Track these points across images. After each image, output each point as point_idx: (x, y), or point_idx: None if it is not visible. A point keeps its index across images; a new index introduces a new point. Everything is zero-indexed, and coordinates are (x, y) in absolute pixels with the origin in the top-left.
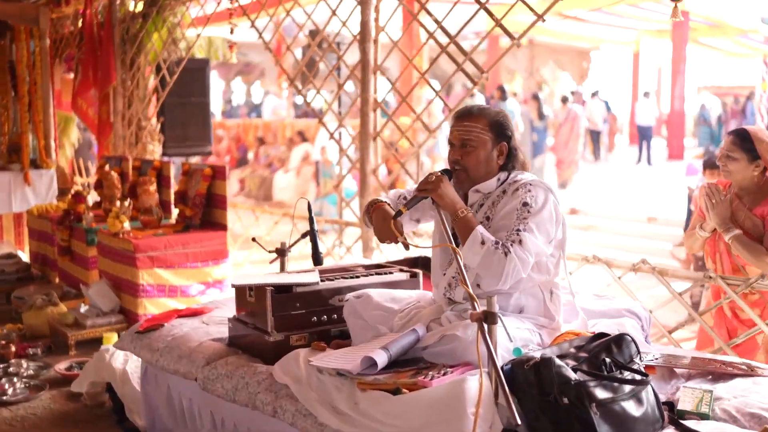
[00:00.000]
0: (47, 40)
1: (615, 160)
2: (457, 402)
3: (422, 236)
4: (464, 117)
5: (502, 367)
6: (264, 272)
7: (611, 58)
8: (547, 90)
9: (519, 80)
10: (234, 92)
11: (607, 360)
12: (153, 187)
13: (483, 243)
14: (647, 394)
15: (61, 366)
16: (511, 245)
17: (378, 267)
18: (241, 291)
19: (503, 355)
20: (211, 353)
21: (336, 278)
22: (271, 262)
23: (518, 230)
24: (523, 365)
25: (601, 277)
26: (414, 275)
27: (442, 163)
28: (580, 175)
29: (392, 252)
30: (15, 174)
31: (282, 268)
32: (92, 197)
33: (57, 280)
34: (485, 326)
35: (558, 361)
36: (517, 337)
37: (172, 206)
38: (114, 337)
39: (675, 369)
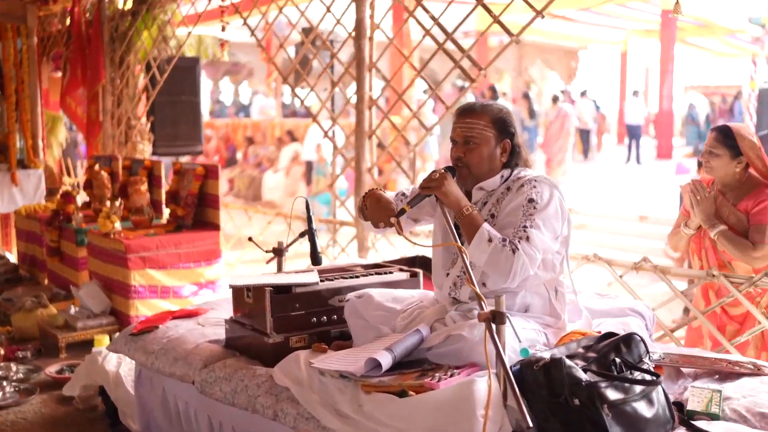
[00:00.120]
0: (34, 38)
1: (604, 159)
2: (466, 404)
3: (419, 235)
4: (467, 114)
5: (510, 368)
6: (259, 272)
7: (599, 58)
8: (536, 89)
9: (508, 79)
10: (222, 92)
11: (617, 360)
12: (144, 187)
13: (490, 240)
14: (657, 394)
15: (51, 369)
16: (519, 242)
17: (377, 267)
18: (238, 292)
19: (510, 356)
20: (208, 355)
21: (335, 278)
22: (268, 262)
23: (525, 227)
24: (533, 366)
25: (599, 276)
26: (414, 275)
27: (432, 163)
28: (570, 174)
29: (388, 252)
30: (2, 174)
31: (279, 268)
32: (81, 197)
33: (46, 281)
34: (493, 326)
35: (568, 362)
36: (523, 337)
37: (164, 206)
38: (105, 339)
39: (682, 368)
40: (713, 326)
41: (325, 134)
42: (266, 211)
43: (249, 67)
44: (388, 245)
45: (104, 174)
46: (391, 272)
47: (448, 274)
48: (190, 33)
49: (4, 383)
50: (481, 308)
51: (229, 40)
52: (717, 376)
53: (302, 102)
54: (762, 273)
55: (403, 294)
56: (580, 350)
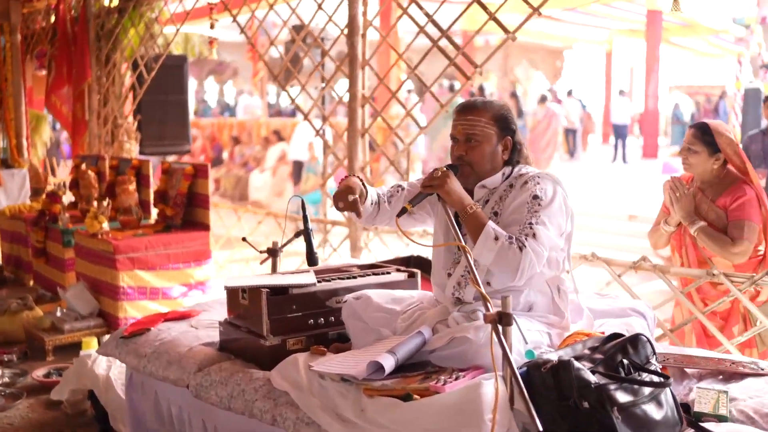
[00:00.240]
0: (18, 35)
1: (590, 159)
2: (473, 407)
3: (412, 234)
4: (468, 111)
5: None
6: (248, 272)
7: (584, 58)
8: (521, 89)
9: (494, 79)
10: (207, 91)
11: (625, 361)
12: (132, 187)
13: (497, 239)
14: (666, 396)
15: (38, 373)
16: (526, 239)
17: (374, 267)
18: (233, 293)
19: (515, 359)
20: (203, 358)
21: (332, 279)
22: (262, 262)
23: (531, 224)
24: (540, 368)
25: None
26: (412, 275)
27: (420, 163)
28: (557, 173)
29: (381, 252)
30: None
31: (274, 269)
32: (67, 197)
33: (31, 283)
34: (500, 328)
35: (577, 364)
36: (527, 338)
37: (152, 206)
38: (93, 342)
39: (686, 369)
40: (713, 325)
41: (317, 133)
42: (256, 210)
43: (234, 66)
44: (381, 245)
45: (91, 174)
46: (388, 273)
47: (449, 275)
48: (178, 30)
49: None
50: (487, 309)
51: (217, 38)
52: (721, 377)
53: (293, 100)
54: (763, 272)
55: (402, 295)
56: (586, 351)
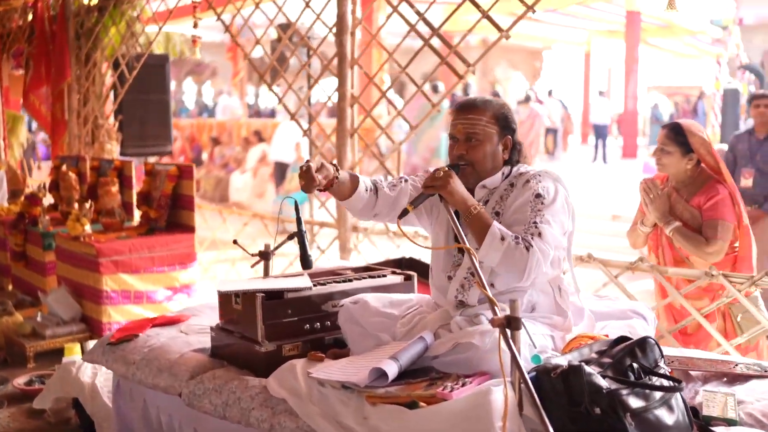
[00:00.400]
0: None
1: (570, 159)
2: (483, 414)
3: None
4: (468, 109)
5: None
6: (234, 274)
7: (563, 58)
8: (500, 89)
9: (473, 80)
10: (185, 92)
11: (635, 365)
12: (115, 188)
13: (503, 239)
14: (676, 400)
15: (19, 380)
16: (532, 238)
17: (368, 269)
18: (225, 297)
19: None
20: (195, 365)
21: (327, 282)
22: (254, 265)
23: (535, 223)
24: (550, 373)
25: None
26: (408, 278)
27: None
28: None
29: (371, 253)
30: None
31: (266, 273)
32: (46, 199)
33: (10, 287)
34: (508, 332)
35: (588, 369)
36: (527, 342)
37: (134, 208)
38: (76, 348)
39: (690, 372)
40: (711, 327)
41: (305, 133)
42: (241, 212)
43: (213, 66)
44: (370, 246)
45: (72, 175)
46: (384, 275)
47: (450, 278)
48: (161, 28)
49: None
50: (494, 313)
51: (201, 37)
52: (725, 379)
53: (280, 99)
54: (762, 273)
55: (400, 298)
56: (594, 355)
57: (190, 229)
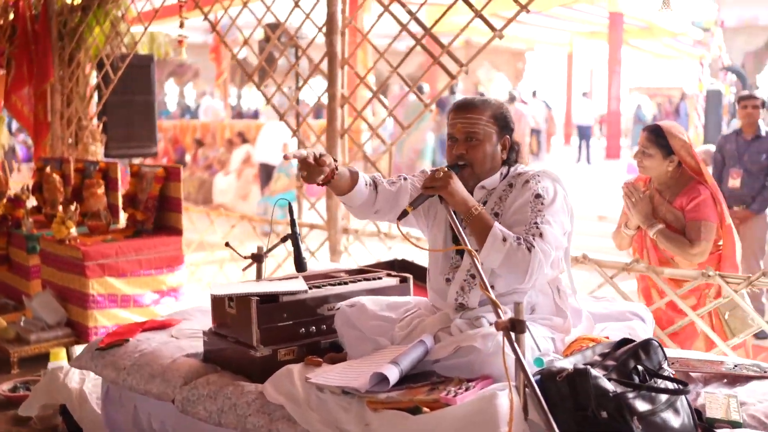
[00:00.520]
0: None
1: (553, 160)
2: (488, 420)
3: (395, 238)
4: (467, 109)
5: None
6: (223, 276)
7: (545, 59)
8: (483, 90)
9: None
10: (167, 93)
11: (639, 368)
12: (101, 190)
13: (505, 240)
14: (682, 403)
15: (4, 387)
16: (533, 239)
17: (363, 272)
18: (219, 301)
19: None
20: (188, 371)
21: (323, 285)
22: (245, 268)
23: (536, 223)
24: (555, 377)
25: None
26: (404, 280)
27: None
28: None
29: (362, 256)
30: None
31: (259, 276)
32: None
33: None
34: (512, 336)
35: (594, 372)
36: (531, 346)
37: (120, 210)
38: (62, 353)
39: (691, 373)
40: (707, 328)
41: (294, 133)
42: (229, 213)
43: (195, 67)
44: (361, 248)
45: (56, 177)
46: (379, 278)
47: (448, 280)
48: (146, 28)
49: None
50: (498, 315)
51: (187, 37)
52: (725, 380)
53: (269, 100)
54: (759, 273)
55: (397, 301)
56: (597, 358)
57: (178, 231)
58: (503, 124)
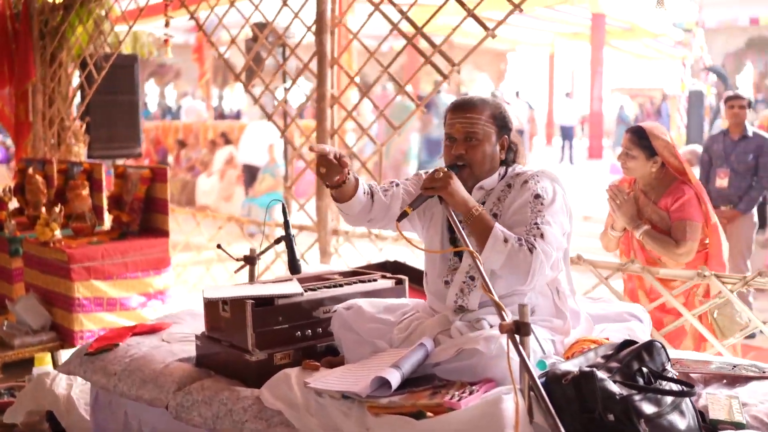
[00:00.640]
0: None
1: (536, 160)
2: (494, 423)
3: (386, 239)
4: (466, 108)
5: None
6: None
7: (527, 60)
8: (465, 91)
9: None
10: (147, 94)
11: (644, 370)
12: (86, 191)
13: (506, 241)
14: (687, 404)
15: None
16: (535, 240)
17: (357, 274)
18: (212, 305)
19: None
20: (181, 376)
21: (318, 288)
22: (237, 271)
23: (536, 224)
24: (561, 380)
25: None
26: (400, 282)
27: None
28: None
29: (353, 257)
30: None
31: (252, 278)
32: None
33: None
34: (517, 338)
35: (600, 374)
36: (537, 348)
37: (105, 212)
38: (47, 357)
39: (691, 374)
40: (703, 328)
41: (282, 133)
42: (216, 215)
43: (176, 68)
44: (352, 250)
45: (39, 178)
46: (374, 280)
47: (446, 282)
48: (131, 27)
49: None
50: (502, 318)
51: (173, 36)
52: (725, 381)
53: (256, 101)
54: (755, 273)
55: (395, 303)
56: (600, 360)
57: (164, 233)
58: (502, 124)
